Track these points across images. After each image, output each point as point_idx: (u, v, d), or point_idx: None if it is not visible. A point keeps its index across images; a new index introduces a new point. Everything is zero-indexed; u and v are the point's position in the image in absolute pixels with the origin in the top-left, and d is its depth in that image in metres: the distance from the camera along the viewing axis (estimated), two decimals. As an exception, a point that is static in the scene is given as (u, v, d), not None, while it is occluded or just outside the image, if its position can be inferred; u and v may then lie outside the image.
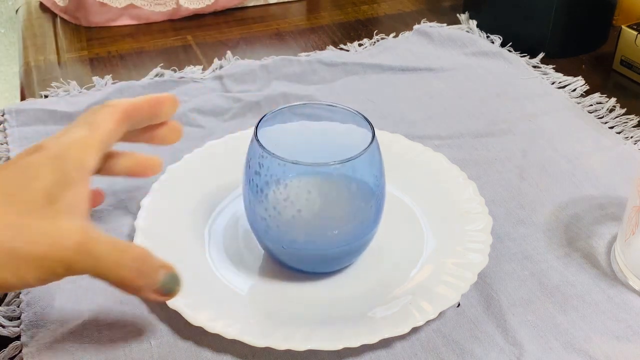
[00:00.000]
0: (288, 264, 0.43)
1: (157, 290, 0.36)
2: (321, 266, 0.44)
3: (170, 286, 0.36)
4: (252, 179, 0.41)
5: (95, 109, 0.39)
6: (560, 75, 0.67)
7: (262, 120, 0.42)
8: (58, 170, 0.34)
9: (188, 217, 0.47)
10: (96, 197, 0.47)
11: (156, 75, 0.67)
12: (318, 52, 0.71)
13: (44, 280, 0.34)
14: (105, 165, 0.43)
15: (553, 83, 0.66)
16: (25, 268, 0.32)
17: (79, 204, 0.35)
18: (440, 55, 0.70)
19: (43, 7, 0.80)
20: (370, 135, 0.41)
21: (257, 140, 0.40)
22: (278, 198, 0.40)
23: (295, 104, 0.44)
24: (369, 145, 0.40)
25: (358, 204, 0.42)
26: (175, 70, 0.67)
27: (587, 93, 0.65)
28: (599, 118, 0.62)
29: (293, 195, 0.40)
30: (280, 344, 0.38)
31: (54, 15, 0.78)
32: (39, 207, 0.33)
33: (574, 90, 0.65)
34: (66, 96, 0.63)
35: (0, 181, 0.34)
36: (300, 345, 0.38)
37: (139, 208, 0.47)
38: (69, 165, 0.35)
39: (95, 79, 0.66)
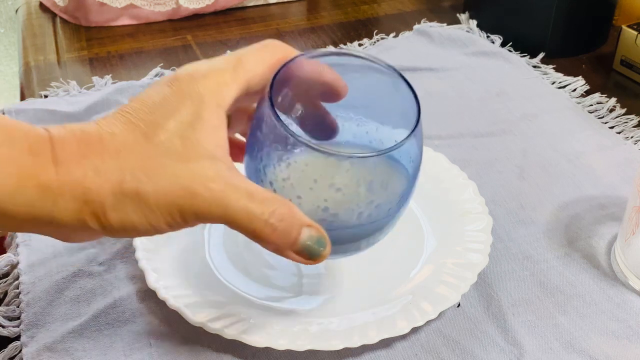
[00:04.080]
0: None
1: (299, 252, 0.32)
2: None
3: (314, 249, 0.32)
4: (252, 142, 0.34)
5: (257, 46, 0.34)
6: (560, 75, 0.67)
7: (282, 69, 0.34)
8: (193, 110, 0.31)
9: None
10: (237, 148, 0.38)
11: (156, 75, 0.67)
12: (318, 52, 0.71)
13: (174, 227, 0.31)
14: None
15: (553, 83, 0.66)
16: (153, 214, 0.30)
17: (216, 148, 0.32)
18: (440, 55, 0.70)
19: (43, 7, 0.80)
20: (413, 118, 0.33)
21: (270, 97, 0.32)
22: (277, 175, 0.34)
23: (332, 49, 0.35)
24: (411, 133, 0.33)
25: (375, 206, 0.35)
26: (175, 70, 0.67)
27: (587, 93, 0.65)
28: (599, 118, 0.62)
29: (294, 178, 0.34)
30: (280, 344, 0.38)
31: (53, 15, 0.78)
32: (174, 149, 0.31)
33: (574, 90, 0.65)
34: (66, 96, 0.63)
35: (135, 116, 0.31)
36: (300, 345, 0.38)
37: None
38: (205, 104, 0.32)
39: (94, 78, 0.66)
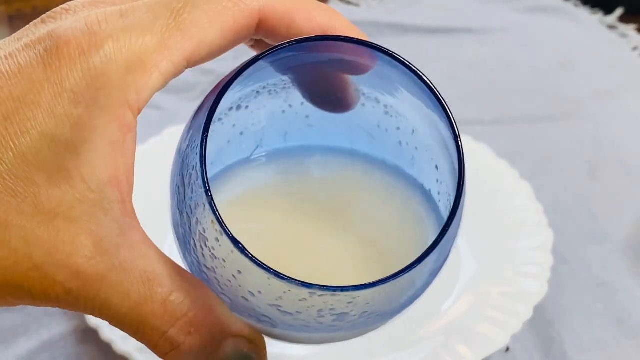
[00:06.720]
0: None
1: None
2: None
3: None
4: (178, 192, 0.28)
5: None
6: (645, 38, 0.68)
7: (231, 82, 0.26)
8: (78, 115, 0.24)
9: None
10: None
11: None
12: (317, 7, 0.71)
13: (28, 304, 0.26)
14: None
15: (635, 49, 0.66)
16: None
17: (108, 183, 0.24)
18: (482, 11, 0.70)
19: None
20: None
21: (205, 126, 0.25)
22: (205, 256, 0.28)
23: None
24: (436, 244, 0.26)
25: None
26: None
27: (681, 62, 0.65)
28: (697, 96, 0.62)
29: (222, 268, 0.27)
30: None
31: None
32: (30, 194, 0.24)
33: (664, 58, 0.66)
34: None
35: None
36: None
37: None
38: (100, 102, 0.24)
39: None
